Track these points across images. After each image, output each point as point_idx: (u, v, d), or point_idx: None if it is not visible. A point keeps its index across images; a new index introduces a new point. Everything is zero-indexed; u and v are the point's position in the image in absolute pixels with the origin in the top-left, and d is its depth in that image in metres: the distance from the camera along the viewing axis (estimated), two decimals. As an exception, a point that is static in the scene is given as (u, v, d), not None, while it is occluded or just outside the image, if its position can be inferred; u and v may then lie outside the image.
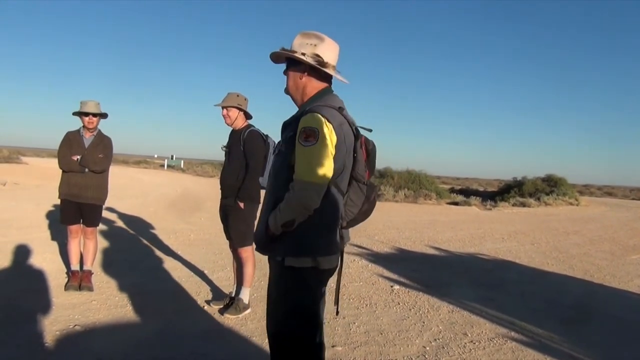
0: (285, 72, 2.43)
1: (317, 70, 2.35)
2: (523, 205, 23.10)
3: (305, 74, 2.36)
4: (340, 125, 2.23)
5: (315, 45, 2.33)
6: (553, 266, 8.00)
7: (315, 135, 2.13)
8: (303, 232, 2.20)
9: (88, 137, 5.07)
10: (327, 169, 2.16)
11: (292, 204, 2.15)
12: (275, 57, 2.45)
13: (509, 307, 5.26)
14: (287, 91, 2.45)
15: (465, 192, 29.63)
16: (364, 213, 2.49)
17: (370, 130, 2.43)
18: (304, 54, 2.32)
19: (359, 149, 2.33)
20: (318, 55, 2.33)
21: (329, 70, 2.36)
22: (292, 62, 2.38)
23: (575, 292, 6.32)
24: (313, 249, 2.24)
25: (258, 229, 2.36)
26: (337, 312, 2.53)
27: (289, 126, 2.31)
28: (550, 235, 12.25)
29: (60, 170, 5.05)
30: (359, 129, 2.37)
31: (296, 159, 2.17)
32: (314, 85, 2.38)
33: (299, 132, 2.16)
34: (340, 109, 2.29)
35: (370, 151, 2.42)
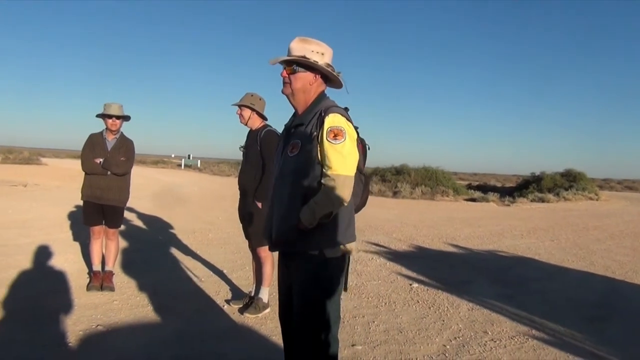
0: (289, 75, 2.50)
1: (326, 76, 2.54)
2: (542, 200, 22.88)
3: (318, 78, 2.51)
4: (352, 124, 2.46)
5: (323, 54, 2.49)
6: (573, 262, 7.91)
7: (343, 134, 2.33)
8: (333, 222, 2.37)
9: (111, 140, 5.13)
10: (355, 162, 2.40)
11: (331, 197, 2.29)
12: (286, 62, 2.52)
13: (529, 305, 5.22)
14: (289, 92, 2.53)
15: (483, 188, 29.38)
16: (364, 201, 2.70)
17: (357, 128, 2.56)
18: (316, 62, 2.47)
19: (358, 143, 2.50)
20: (330, 65, 2.53)
21: (341, 79, 2.57)
22: (303, 66, 2.48)
23: (596, 288, 6.25)
24: (343, 238, 2.42)
25: (285, 228, 2.40)
26: (346, 289, 2.55)
27: (305, 127, 2.42)
28: (570, 231, 12.11)
29: (82, 172, 5.12)
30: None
31: (327, 156, 2.32)
32: (318, 89, 2.54)
33: (327, 131, 2.33)
34: (346, 109, 2.50)
35: (366, 146, 2.62)
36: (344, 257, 2.46)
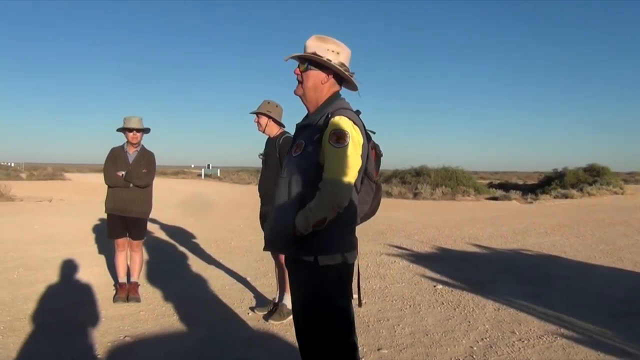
0: (302, 73, 2.44)
1: (340, 77, 2.46)
2: (565, 197, 22.61)
3: (331, 77, 2.43)
4: (362, 128, 2.35)
5: (338, 53, 2.41)
6: (600, 259, 7.78)
7: (345, 137, 2.21)
8: (330, 229, 2.24)
9: (132, 153, 5.21)
10: (356, 168, 2.26)
11: (325, 202, 2.18)
12: (299, 59, 2.47)
13: (557, 303, 5.14)
14: (301, 92, 2.47)
15: (505, 187, 29.14)
16: (373, 210, 2.61)
17: (374, 133, 2.51)
18: (330, 61, 2.39)
19: (370, 149, 2.43)
20: (344, 64, 2.44)
21: (355, 80, 2.47)
22: (315, 65, 2.41)
23: (625, 284, 6.13)
24: (341, 245, 2.30)
25: (280, 230, 2.34)
26: (360, 304, 2.53)
27: (311, 128, 2.36)
28: (595, 226, 11.92)
29: (106, 186, 5.20)
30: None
31: (327, 159, 2.23)
32: (331, 89, 2.45)
33: (329, 134, 2.23)
34: (358, 112, 2.41)
35: (379, 153, 2.54)
36: (345, 266, 2.32)
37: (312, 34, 2.45)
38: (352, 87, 2.54)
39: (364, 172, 2.39)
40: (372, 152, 2.45)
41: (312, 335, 2.35)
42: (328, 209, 2.19)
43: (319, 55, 2.38)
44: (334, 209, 2.19)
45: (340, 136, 2.21)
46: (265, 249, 2.58)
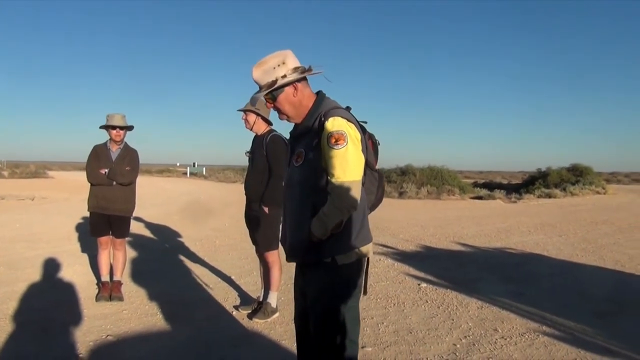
0: (274, 103, 2.44)
1: (304, 79, 2.44)
2: (549, 196, 22.80)
3: (298, 85, 2.41)
4: (356, 123, 2.37)
5: (284, 62, 2.37)
6: (582, 257, 7.87)
7: (344, 138, 2.23)
8: (344, 228, 2.29)
9: (115, 150, 5.16)
10: (361, 165, 2.30)
11: (337, 206, 2.22)
12: (265, 99, 2.45)
13: (539, 301, 5.19)
14: (284, 118, 2.47)
15: (489, 186, 29.29)
16: (379, 198, 2.65)
17: (366, 122, 2.51)
18: (285, 76, 2.36)
19: (367, 140, 2.45)
20: (297, 67, 2.41)
21: (316, 71, 2.44)
22: (277, 88, 2.38)
23: (606, 283, 6.21)
24: (356, 242, 2.35)
25: (299, 239, 2.37)
26: (365, 292, 2.52)
27: (308, 134, 2.37)
28: (578, 225, 12.05)
29: (89, 184, 5.14)
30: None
31: (330, 162, 2.24)
32: (308, 95, 2.44)
33: (327, 137, 2.25)
34: (348, 109, 2.42)
35: (376, 142, 2.56)
36: (360, 261, 2.39)
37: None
38: (315, 72, 2.49)
39: (365, 164, 2.41)
40: (369, 142, 2.47)
41: (321, 334, 2.39)
42: (342, 212, 2.23)
43: (273, 81, 2.36)
44: (348, 210, 2.24)
45: (338, 137, 2.23)
46: (288, 260, 2.55)
